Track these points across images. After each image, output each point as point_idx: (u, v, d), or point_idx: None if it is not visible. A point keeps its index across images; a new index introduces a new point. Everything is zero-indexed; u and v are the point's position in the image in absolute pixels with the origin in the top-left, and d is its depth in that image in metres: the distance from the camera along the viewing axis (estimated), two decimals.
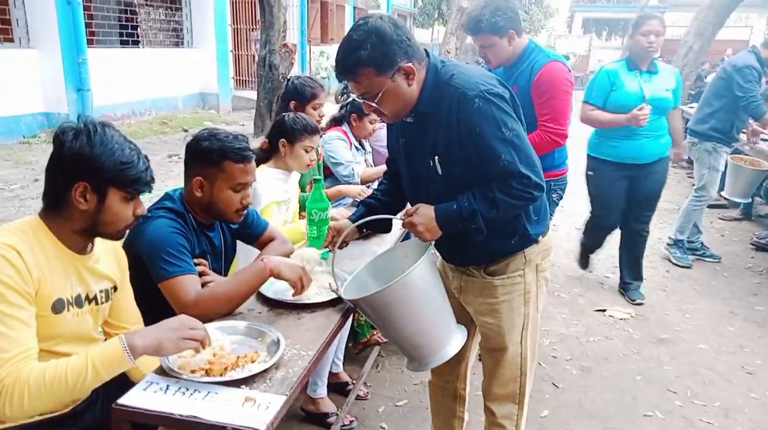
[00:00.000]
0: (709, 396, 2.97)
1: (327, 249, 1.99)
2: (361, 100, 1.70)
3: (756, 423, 2.76)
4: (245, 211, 2.01)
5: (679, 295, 4.25)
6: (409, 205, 1.88)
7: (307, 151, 2.62)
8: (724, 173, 4.92)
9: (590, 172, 3.96)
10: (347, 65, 1.63)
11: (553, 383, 3.05)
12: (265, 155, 2.67)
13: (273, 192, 2.56)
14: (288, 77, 3.81)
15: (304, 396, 2.67)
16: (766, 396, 2.98)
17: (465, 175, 1.68)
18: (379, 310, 1.70)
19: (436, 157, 1.70)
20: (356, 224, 1.90)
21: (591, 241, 4.31)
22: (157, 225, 1.82)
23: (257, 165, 2.65)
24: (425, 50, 1.72)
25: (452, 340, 1.77)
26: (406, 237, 2.81)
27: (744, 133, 5.44)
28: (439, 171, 1.72)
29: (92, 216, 1.48)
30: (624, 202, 3.90)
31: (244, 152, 1.91)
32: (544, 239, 1.91)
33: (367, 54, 1.58)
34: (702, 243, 4.98)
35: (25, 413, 1.35)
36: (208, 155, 1.88)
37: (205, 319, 1.70)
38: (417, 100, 1.68)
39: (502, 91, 1.67)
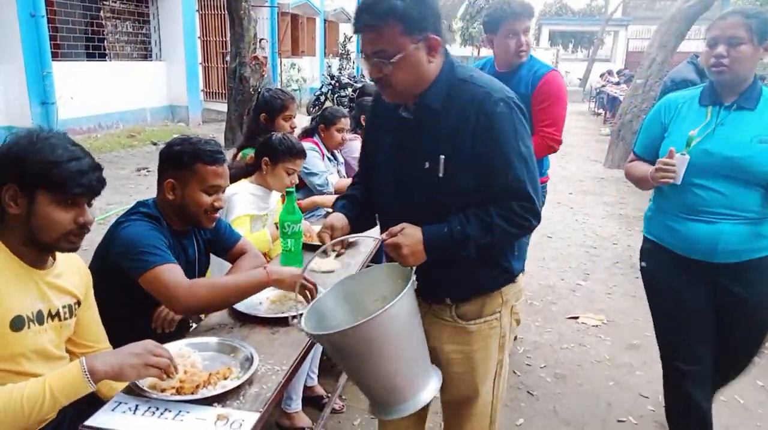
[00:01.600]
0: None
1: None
2: (369, 61, 1.48)
3: (725, 426, 2.81)
4: (217, 216, 2.00)
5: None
6: (380, 225, 1.72)
7: (288, 173, 2.62)
8: None
9: (642, 263, 2.36)
10: (377, 11, 1.42)
11: (528, 391, 3.06)
12: (250, 170, 2.67)
13: (248, 206, 2.55)
14: (258, 89, 3.80)
15: (278, 411, 2.63)
16: (735, 399, 3.03)
17: (466, 185, 1.51)
18: (349, 348, 1.44)
19: (442, 158, 1.51)
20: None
21: (676, 404, 2.33)
22: (134, 226, 1.81)
23: (239, 179, 2.64)
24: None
25: (427, 385, 1.55)
26: (376, 257, 2.80)
27: None
28: (440, 173, 1.52)
29: (25, 222, 1.41)
30: (705, 326, 2.19)
31: (216, 155, 1.91)
32: (520, 278, 1.74)
33: (404, 7, 1.41)
34: None
35: None
36: (180, 158, 1.88)
37: (196, 307, 1.67)
38: (426, 90, 1.52)
39: (522, 105, 1.55)
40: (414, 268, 1.51)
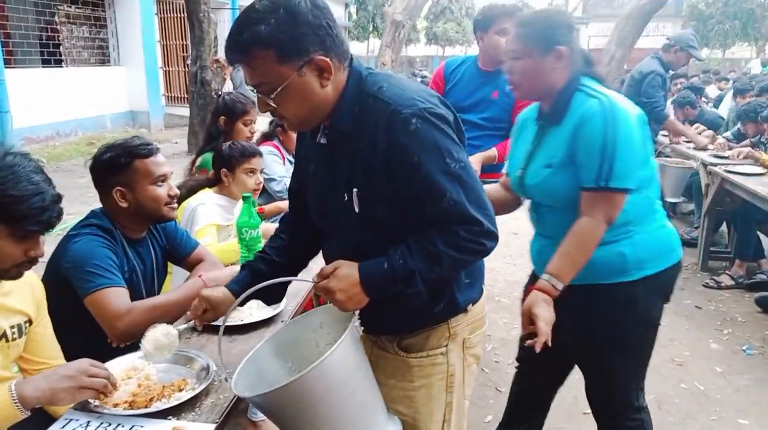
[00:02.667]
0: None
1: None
2: (254, 92, 1.30)
3: (686, 413, 2.88)
4: (176, 205, 1.96)
5: None
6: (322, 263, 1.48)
7: (250, 174, 2.59)
8: None
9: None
10: (240, 41, 1.23)
11: (496, 388, 3.08)
12: (212, 182, 2.64)
13: (213, 215, 2.51)
14: (219, 93, 3.75)
15: (245, 421, 2.60)
16: (695, 386, 3.11)
17: (390, 218, 1.32)
18: (284, 409, 1.25)
19: (354, 191, 1.33)
20: (239, 300, 1.38)
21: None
22: (84, 241, 1.76)
23: (200, 190, 2.60)
24: (350, 54, 1.36)
25: None
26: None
27: (665, 136, 5.71)
28: (356, 208, 1.34)
29: None
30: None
31: (148, 146, 1.89)
32: (476, 307, 1.51)
33: (269, 31, 1.20)
34: None
35: None
36: (116, 162, 1.84)
37: (135, 333, 1.63)
38: (333, 113, 1.32)
39: (446, 112, 1.32)
40: (356, 312, 1.34)
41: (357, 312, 1.35)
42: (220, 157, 2.61)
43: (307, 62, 1.24)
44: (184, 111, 11.40)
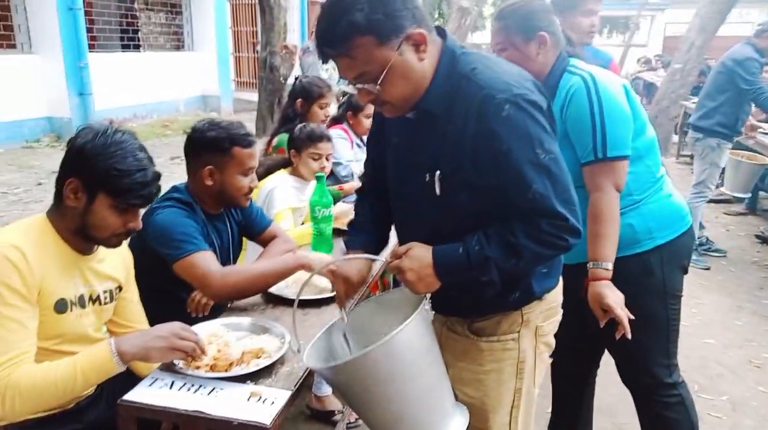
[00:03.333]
0: (717, 390, 2.95)
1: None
2: (353, 87, 1.26)
3: (763, 416, 2.74)
4: (250, 196, 2.03)
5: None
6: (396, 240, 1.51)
7: (314, 159, 2.64)
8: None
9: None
10: (337, 34, 1.18)
11: None
12: (287, 163, 2.73)
13: (289, 198, 2.59)
14: (287, 78, 3.83)
15: (309, 394, 2.67)
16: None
17: (472, 205, 1.29)
18: (351, 384, 1.28)
19: (437, 174, 1.29)
20: (364, 257, 1.43)
21: None
22: (167, 213, 1.84)
23: (275, 171, 2.69)
24: (440, 28, 1.31)
25: (448, 427, 1.33)
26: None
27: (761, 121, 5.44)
28: (437, 192, 1.30)
29: (81, 216, 1.46)
30: None
31: (250, 137, 1.96)
32: (551, 295, 1.47)
33: (365, 16, 1.16)
34: (707, 238, 4.95)
35: (17, 415, 1.36)
36: (218, 144, 1.91)
37: (228, 295, 1.71)
38: (425, 92, 1.27)
39: (540, 98, 1.26)
40: (426, 295, 1.32)
41: (428, 295, 1.33)
42: (291, 140, 2.69)
43: (405, 39, 1.21)
44: (252, 96, 11.67)
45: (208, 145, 1.92)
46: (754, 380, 3.05)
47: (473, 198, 1.28)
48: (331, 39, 1.20)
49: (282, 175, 2.67)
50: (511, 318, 1.43)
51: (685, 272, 1.96)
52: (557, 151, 1.26)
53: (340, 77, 1.26)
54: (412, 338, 1.24)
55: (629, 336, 1.68)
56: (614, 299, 1.69)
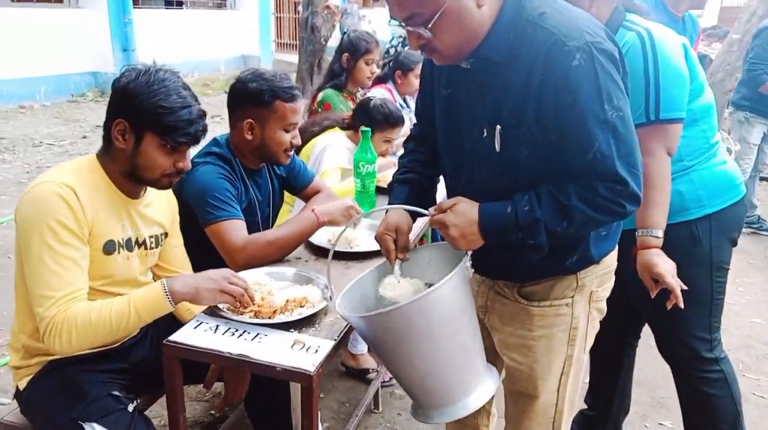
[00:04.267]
0: (762, 370, 2.87)
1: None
2: (404, 30, 1.17)
3: None
4: (292, 152, 1.98)
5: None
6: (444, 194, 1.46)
7: (385, 142, 2.58)
8: None
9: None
10: None
11: None
12: (346, 125, 2.64)
13: (340, 158, 2.52)
14: (327, 39, 3.75)
15: (344, 352, 2.68)
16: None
17: (531, 162, 1.20)
18: (384, 337, 1.26)
19: (497, 128, 1.21)
20: (407, 209, 1.37)
21: None
22: (204, 171, 1.81)
23: (331, 128, 2.62)
24: None
25: (477, 388, 1.31)
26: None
27: None
28: (497, 148, 1.22)
29: (130, 157, 1.46)
30: None
31: (294, 91, 1.87)
32: (607, 259, 1.39)
33: None
34: (759, 217, 4.77)
35: (72, 349, 1.38)
36: (259, 96, 1.84)
37: (254, 264, 1.70)
38: (484, 39, 1.18)
39: (613, 48, 1.15)
40: (468, 252, 1.27)
41: (469, 253, 1.28)
42: (364, 111, 2.55)
43: None
44: (292, 58, 11.59)
45: (250, 97, 1.85)
46: None
47: (534, 155, 1.20)
48: None
49: (338, 134, 2.60)
50: (565, 282, 1.36)
51: (734, 244, 1.88)
52: (627, 110, 1.16)
53: (391, 18, 1.18)
54: (451, 295, 1.21)
55: (681, 306, 1.62)
56: (665, 267, 1.63)
